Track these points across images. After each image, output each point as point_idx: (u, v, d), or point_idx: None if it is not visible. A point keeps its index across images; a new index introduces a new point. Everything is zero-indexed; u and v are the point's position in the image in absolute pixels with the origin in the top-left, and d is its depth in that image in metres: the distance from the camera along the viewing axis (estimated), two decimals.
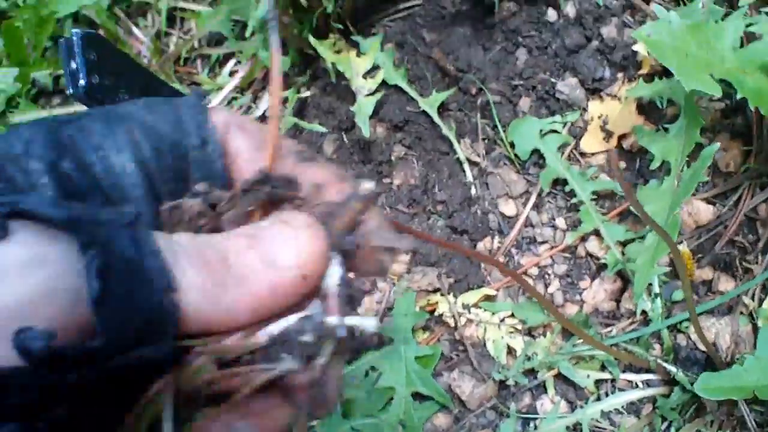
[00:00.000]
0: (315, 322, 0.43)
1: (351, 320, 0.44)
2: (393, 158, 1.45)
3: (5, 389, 0.33)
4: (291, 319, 0.43)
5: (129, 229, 0.37)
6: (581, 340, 1.24)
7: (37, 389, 0.34)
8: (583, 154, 1.40)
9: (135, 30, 1.73)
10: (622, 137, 1.37)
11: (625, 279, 1.29)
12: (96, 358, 0.35)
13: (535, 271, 1.35)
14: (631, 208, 1.28)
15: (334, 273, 0.45)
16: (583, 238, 1.33)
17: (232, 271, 0.39)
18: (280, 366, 0.42)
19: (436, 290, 1.36)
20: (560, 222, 1.36)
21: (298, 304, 0.43)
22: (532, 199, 1.38)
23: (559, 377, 1.26)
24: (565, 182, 1.35)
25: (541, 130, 1.39)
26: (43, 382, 0.34)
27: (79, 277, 0.34)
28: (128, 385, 0.39)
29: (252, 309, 0.40)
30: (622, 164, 1.36)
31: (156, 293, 0.36)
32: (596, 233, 1.32)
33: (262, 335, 0.42)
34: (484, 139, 1.44)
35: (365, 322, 0.45)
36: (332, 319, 0.44)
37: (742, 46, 1.15)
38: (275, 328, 0.42)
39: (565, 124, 1.41)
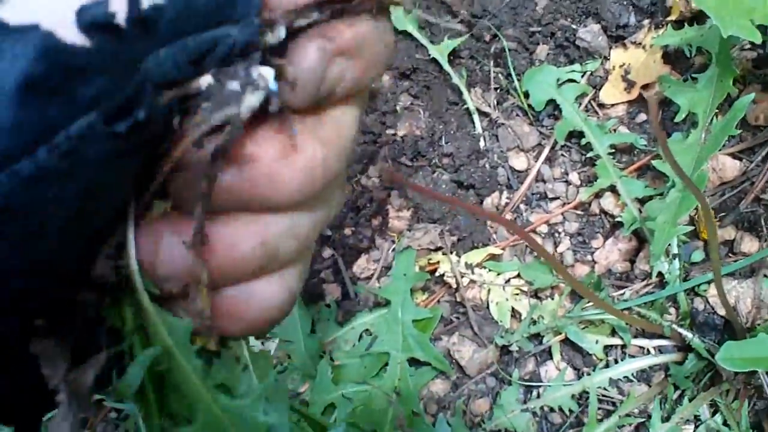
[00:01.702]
0: None
1: None
2: (398, 108, 1.36)
3: (78, 80, 0.25)
4: None
5: None
6: (591, 304, 1.14)
7: (107, 73, 0.26)
8: (601, 106, 1.29)
9: None
10: (644, 87, 1.26)
11: (640, 238, 1.18)
12: (155, 29, 0.27)
13: (544, 228, 1.24)
14: (653, 163, 1.17)
15: None
16: (598, 195, 1.23)
17: None
18: None
19: (437, 249, 1.27)
20: (574, 177, 1.26)
21: None
22: (545, 152, 1.28)
23: (566, 342, 1.16)
24: (581, 135, 1.24)
25: (558, 80, 1.28)
26: (108, 63, 0.26)
27: None
28: None
29: None
30: (642, 116, 1.25)
31: None
32: (612, 189, 1.21)
33: None
34: (496, 89, 1.34)
35: None
36: None
37: None
38: None
39: (584, 73, 1.30)
